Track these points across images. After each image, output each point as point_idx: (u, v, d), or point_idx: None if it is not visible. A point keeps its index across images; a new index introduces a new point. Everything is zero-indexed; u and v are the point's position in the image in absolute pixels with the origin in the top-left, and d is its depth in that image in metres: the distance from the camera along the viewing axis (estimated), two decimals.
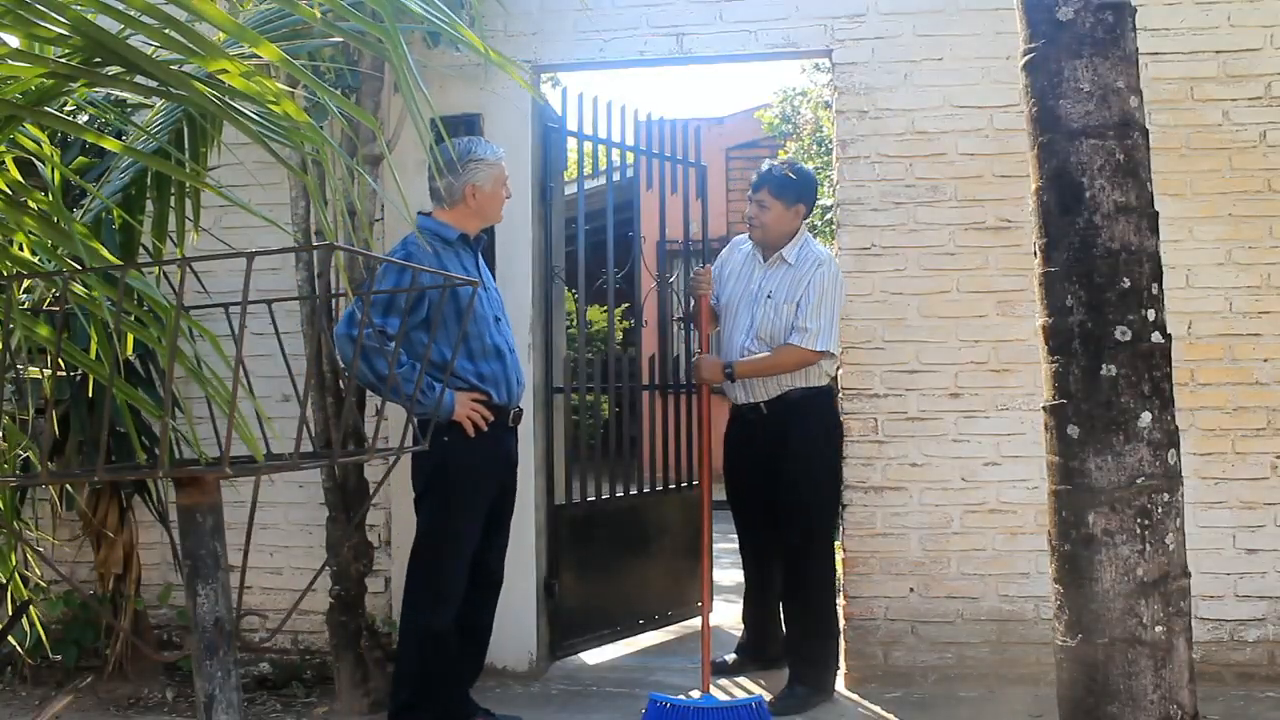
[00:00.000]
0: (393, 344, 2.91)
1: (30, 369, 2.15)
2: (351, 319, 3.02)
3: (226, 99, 1.43)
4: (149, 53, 1.48)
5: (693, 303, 3.94)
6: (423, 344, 3.02)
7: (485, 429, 3.07)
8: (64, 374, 2.97)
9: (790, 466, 3.57)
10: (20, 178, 1.69)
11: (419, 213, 3.28)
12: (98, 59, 1.45)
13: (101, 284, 1.66)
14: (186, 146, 1.93)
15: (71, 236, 1.53)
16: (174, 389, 1.76)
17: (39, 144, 1.69)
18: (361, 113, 1.54)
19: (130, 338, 1.98)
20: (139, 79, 1.47)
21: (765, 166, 3.78)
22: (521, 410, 3.32)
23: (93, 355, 1.91)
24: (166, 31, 1.29)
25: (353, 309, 3.02)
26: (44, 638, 2.82)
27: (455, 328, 3.04)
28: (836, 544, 3.85)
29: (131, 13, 1.29)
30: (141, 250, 2.28)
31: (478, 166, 3.18)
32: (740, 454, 3.82)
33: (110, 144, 1.59)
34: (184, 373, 1.93)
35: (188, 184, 1.95)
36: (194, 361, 2.00)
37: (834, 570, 3.64)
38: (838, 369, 3.76)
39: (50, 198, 1.64)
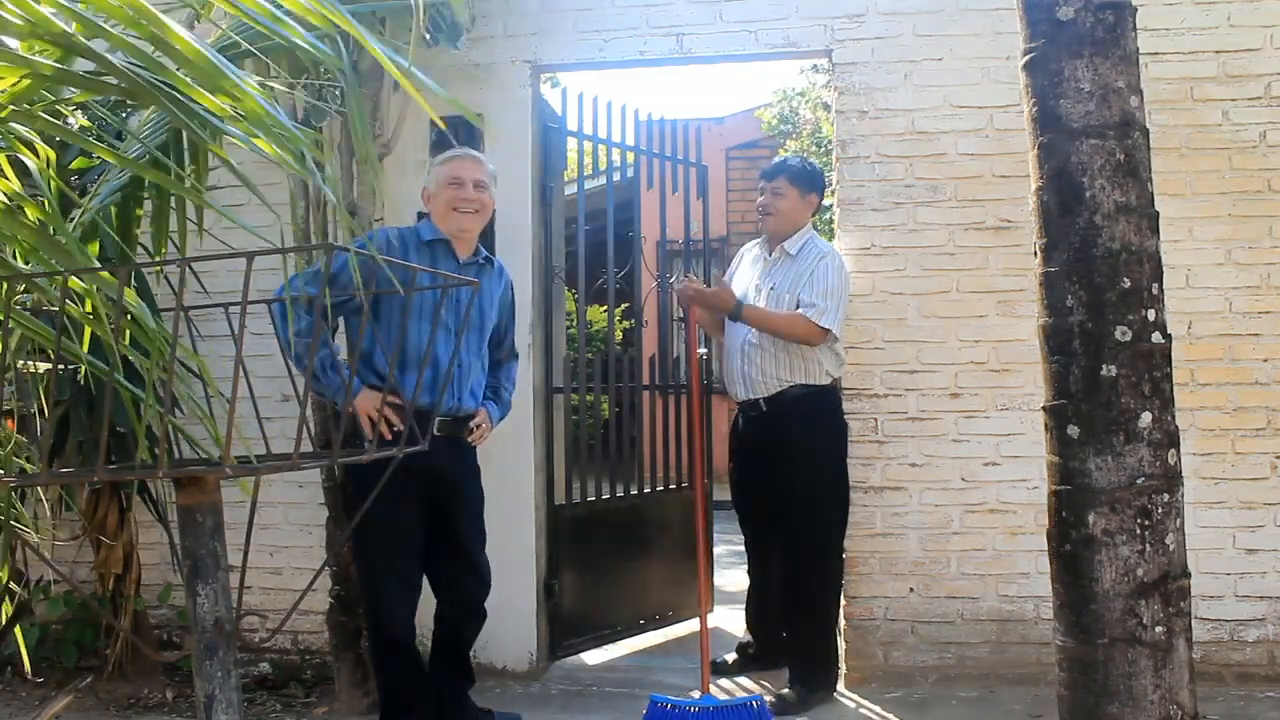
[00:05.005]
0: (312, 314, 2.81)
1: (28, 365, 2.14)
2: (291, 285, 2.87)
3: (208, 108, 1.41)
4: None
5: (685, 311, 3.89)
6: (357, 331, 2.93)
7: (386, 433, 2.79)
8: (62, 369, 2.96)
9: (787, 465, 3.57)
10: (18, 180, 1.68)
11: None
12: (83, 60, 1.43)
13: (101, 298, 1.65)
14: (185, 148, 1.92)
15: (64, 248, 1.52)
16: (174, 389, 1.76)
17: (29, 146, 1.67)
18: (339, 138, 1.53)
19: (127, 334, 1.98)
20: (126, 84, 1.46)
21: (780, 156, 3.79)
22: (452, 420, 3.05)
23: (86, 347, 1.89)
24: (147, 48, 1.28)
25: (294, 276, 2.92)
26: (42, 639, 2.82)
27: (396, 325, 2.90)
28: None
29: (114, 28, 1.28)
30: (141, 250, 2.27)
31: (432, 169, 3.16)
32: (741, 452, 3.82)
33: (103, 152, 1.58)
34: (183, 374, 1.93)
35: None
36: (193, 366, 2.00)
37: (837, 570, 3.63)
38: (842, 370, 3.74)
39: (46, 208, 1.62)
